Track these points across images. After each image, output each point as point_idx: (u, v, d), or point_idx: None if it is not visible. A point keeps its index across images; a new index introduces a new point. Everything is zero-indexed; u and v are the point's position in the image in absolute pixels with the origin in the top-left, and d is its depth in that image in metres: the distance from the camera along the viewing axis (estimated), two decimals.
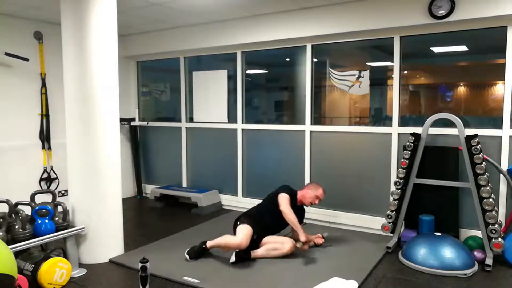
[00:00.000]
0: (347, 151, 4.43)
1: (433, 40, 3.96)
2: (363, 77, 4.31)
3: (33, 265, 2.90)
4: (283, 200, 3.59)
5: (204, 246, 3.46)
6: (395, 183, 3.82)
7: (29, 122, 4.81)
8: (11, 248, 2.74)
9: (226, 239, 3.41)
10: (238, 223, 3.56)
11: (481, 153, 3.43)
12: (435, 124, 3.73)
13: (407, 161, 3.76)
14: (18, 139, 4.71)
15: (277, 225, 3.67)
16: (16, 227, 2.95)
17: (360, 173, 4.35)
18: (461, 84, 3.98)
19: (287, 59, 4.90)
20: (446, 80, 4.10)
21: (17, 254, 2.95)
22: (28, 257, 3.00)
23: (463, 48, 3.95)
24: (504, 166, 3.62)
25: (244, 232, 3.40)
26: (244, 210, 3.87)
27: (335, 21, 4.16)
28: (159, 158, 6.01)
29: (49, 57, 4.91)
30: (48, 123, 4.93)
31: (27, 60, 4.66)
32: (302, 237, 3.43)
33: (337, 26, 4.16)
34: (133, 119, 5.93)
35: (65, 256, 3.19)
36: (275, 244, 3.49)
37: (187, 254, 3.44)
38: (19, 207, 3.02)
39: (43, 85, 4.90)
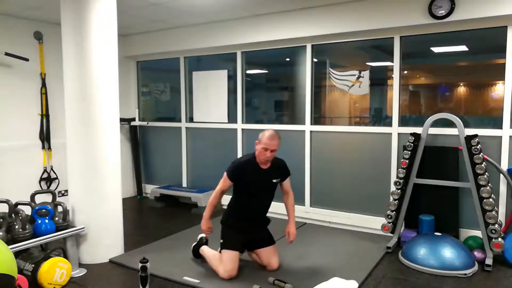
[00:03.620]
0: (347, 151, 4.42)
1: (433, 40, 3.95)
2: (363, 77, 4.31)
3: (33, 265, 2.90)
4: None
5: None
6: (395, 183, 3.82)
7: (29, 122, 4.81)
8: (11, 248, 2.74)
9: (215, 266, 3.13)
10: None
11: (481, 153, 3.43)
12: (435, 124, 3.73)
13: (407, 161, 3.76)
14: (18, 139, 4.71)
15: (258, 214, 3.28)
16: (16, 227, 2.95)
17: (360, 173, 4.35)
18: (461, 84, 3.98)
19: (287, 59, 4.90)
20: (446, 80, 4.10)
21: (17, 254, 2.94)
22: (28, 257, 3.00)
23: (463, 48, 3.95)
24: (504, 166, 3.62)
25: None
26: None
27: (335, 21, 4.16)
28: (159, 158, 6.00)
29: (49, 57, 4.90)
30: (48, 123, 4.93)
31: (27, 60, 4.66)
32: None
33: (337, 26, 4.16)
34: (133, 119, 5.93)
35: (65, 256, 3.19)
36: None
37: (192, 252, 3.45)
38: (19, 207, 3.02)
39: (43, 85, 4.90)
